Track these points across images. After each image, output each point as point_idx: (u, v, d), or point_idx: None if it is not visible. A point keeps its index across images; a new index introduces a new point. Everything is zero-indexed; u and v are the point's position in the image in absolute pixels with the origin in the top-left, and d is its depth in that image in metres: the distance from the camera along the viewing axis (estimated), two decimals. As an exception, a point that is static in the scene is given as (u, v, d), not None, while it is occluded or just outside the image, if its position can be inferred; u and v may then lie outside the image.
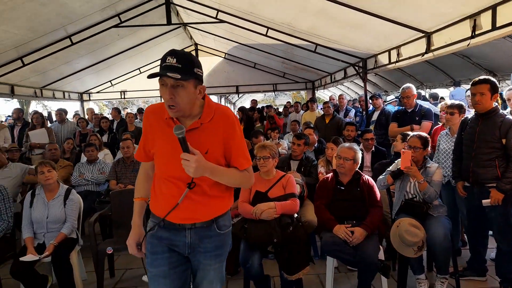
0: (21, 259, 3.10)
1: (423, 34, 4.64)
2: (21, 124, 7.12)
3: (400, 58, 5.45)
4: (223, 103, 19.17)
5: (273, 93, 13.04)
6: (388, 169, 3.61)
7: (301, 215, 3.49)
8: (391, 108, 6.40)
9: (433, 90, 9.65)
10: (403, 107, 4.95)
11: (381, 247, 3.11)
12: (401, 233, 3.00)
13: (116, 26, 6.96)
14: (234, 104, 21.81)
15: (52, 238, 3.31)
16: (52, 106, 16.20)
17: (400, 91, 4.98)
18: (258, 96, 16.40)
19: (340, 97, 8.04)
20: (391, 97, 8.94)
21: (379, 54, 6.23)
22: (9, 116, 10.09)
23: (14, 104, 10.93)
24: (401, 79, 9.28)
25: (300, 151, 4.30)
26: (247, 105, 11.24)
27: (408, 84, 4.89)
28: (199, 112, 1.74)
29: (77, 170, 4.99)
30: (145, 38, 8.92)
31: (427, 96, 9.65)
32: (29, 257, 3.14)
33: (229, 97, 20.87)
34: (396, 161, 3.62)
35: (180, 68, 1.60)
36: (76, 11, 5.89)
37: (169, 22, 6.94)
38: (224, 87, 12.17)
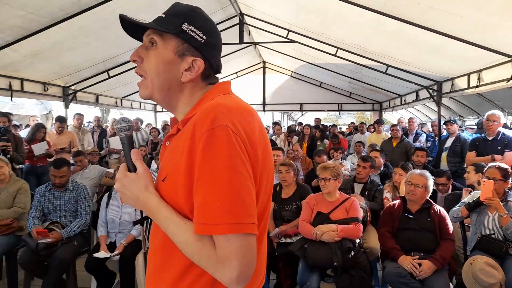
0: (95, 255, 3.37)
1: (509, 59, 4.31)
2: (99, 130, 7.81)
3: (481, 83, 5.10)
4: (285, 120, 19.27)
5: (337, 112, 12.84)
6: (463, 200, 3.37)
7: (363, 241, 3.38)
8: (467, 135, 5.98)
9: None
10: (483, 135, 4.61)
11: (450, 284, 2.89)
12: (475, 272, 2.77)
13: (192, 43, 7.40)
14: (296, 121, 21.82)
15: (122, 238, 3.55)
16: (127, 115, 17.51)
17: (486, 115, 4.63)
18: (321, 115, 16.25)
19: (410, 120, 7.69)
20: (468, 123, 8.35)
21: (457, 77, 5.89)
22: (90, 122, 11.12)
23: (95, 111, 12.00)
24: (479, 104, 8.65)
25: (365, 174, 4.18)
26: (309, 122, 11.19)
27: (496, 110, 4.55)
28: (191, 108, 1.04)
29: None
30: (216, 55, 9.35)
31: (508, 123, 8.87)
32: (102, 254, 3.40)
33: (291, 114, 20.95)
34: (472, 193, 3.38)
35: (159, 18, 1.06)
36: (158, 29, 6.39)
37: (241, 41, 7.22)
38: (288, 104, 12.27)
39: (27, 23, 4.55)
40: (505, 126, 7.86)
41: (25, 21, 4.47)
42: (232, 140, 0.87)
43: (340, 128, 11.80)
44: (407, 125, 7.89)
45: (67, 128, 6.59)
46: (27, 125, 8.00)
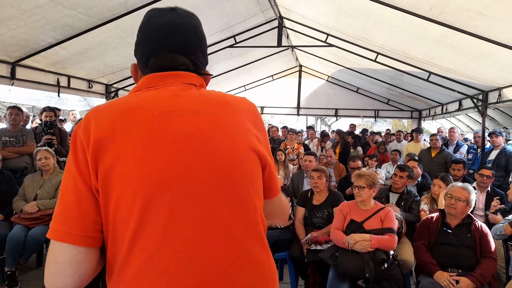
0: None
1: None
2: None
3: (531, 94, 4.82)
4: (318, 125, 19.06)
5: (373, 119, 12.53)
6: (507, 217, 3.18)
7: (397, 253, 3.28)
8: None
9: None
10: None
11: (490, 305, 2.74)
12: (518, 294, 2.62)
13: (231, 46, 7.50)
14: (329, 126, 21.51)
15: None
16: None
17: None
18: (356, 121, 15.93)
19: (451, 130, 7.37)
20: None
21: (505, 87, 5.59)
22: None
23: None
24: (528, 116, 8.18)
25: (402, 184, 4.05)
26: (343, 128, 10.98)
27: None
28: None
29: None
30: (254, 58, 9.42)
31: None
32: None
33: (325, 119, 20.68)
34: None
35: None
36: (199, 31, 6.52)
37: (279, 44, 7.23)
38: (323, 109, 12.12)
39: (77, 23, 4.78)
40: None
41: (75, 20, 4.70)
42: (72, 142, 0.91)
43: (380, 133, 11.36)
44: (447, 135, 7.57)
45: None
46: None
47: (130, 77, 7.35)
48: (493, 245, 2.90)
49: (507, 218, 3.15)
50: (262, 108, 12.41)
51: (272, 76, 11.98)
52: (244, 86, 12.06)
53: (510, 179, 4.54)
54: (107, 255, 0.90)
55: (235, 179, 0.92)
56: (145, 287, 0.85)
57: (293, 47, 9.11)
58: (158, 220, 0.86)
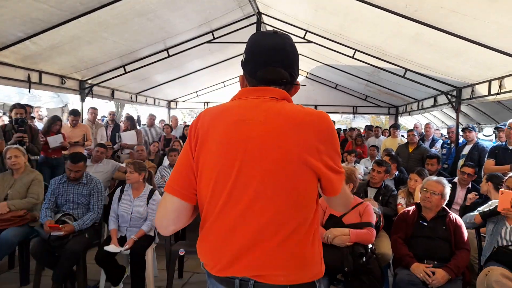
0: (105, 248, 3.39)
1: (534, 66, 4.19)
2: (113, 125, 7.89)
3: (502, 90, 4.96)
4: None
5: (352, 115, 12.70)
6: (479, 208, 3.28)
7: (375, 246, 3.32)
8: (486, 143, 5.83)
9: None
10: (503, 143, 4.48)
11: (464, 294, 2.81)
12: (490, 284, 2.69)
13: (209, 42, 7.42)
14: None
15: (133, 233, 3.56)
16: (141, 111, 17.68)
17: (507, 123, 4.50)
18: (335, 117, 16.09)
19: (427, 126, 7.55)
20: (489, 132, 8.16)
21: (477, 84, 5.75)
22: (104, 116, 11.23)
23: (110, 106, 12.11)
24: (498, 112, 8.44)
25: (379, 178, 4.10)
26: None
27: None
28: None
29: (160, 172, 5.34)
30: (233, 54, 9.35)
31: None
32: (112, 247, 3.41)
33: (305, 116, 20.83)
34: (490, 201, 3.28)
35: None
36: (176, 26, 6.41)
37: (258, 40, 7.19)
38: (303, 105, 12.13)
39: (48, 17, 4.61)
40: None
41: (46, 14, 4.53)
42: (189, 131, 1.30)
43: (359, 130, 11.56)
44: (423, 130, 7.75)
45: (81, 122, 6.65)
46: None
47: (105, 72, 7.20)
48: (466, 236, 2.98)
49: (479, 209, 3.25)
50: (241, 104, 12.35)
51: (251, 72, 11.93)
52: (223, 82, 11.98)
53: (482, 173, 4.68)
54: (200, 210, 1.28)
55: (279, 181, 1.17)
56: (211, 236, 1.24)
57: (272, 43, 9.08)
58: (221, 196, 1.20)
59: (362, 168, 6.27)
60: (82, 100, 7.32)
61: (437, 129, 10.97)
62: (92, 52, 6.17)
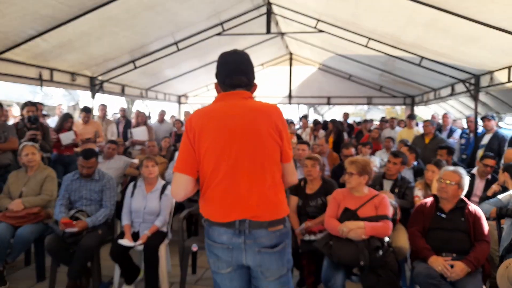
0: (119, 241, 3.39)
1: (556, 50, 4.00)
2: (125, 121, 7.92)
3: (523, 77, 4.78)
4: (311, 113, 19.01)
5: (366, 106, 12.49)
6: (499, 196, 3.15)
7: (392, 239, 3.23)
8: (506, 132, 5.64)
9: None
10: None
11: (484, 287, 2.71)
12: (510, 276, 2.59)
13: (218, 34, 7.35)
14: (322, 115, 21.48)
15: (146, 228, 3.55)
16: (152, 106, 17.78)
17: None
18: (349, 109, 15.88)
19: (445, 115, 7.35)
20: (511, 120, 7.92)
21: (496, 71, 5.55)
22: (115, 113, 11.32)
23: (121, 102, 12.20)
24: (519, 100, 8.17)
25: (395, 170, 3.99)
26: (336, 116, 10.96)
27: None
28: None
29: (171, 167, 5.33)
30: (243, 46, 9.25)
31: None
32: (126, 241, 3.41)
33: (317, 107, 20.64)
34: (510, 191, 3.15)
35: None
36: (185, 19, 6.36)
37: (268, 31, 7.10)
38: (315, 97, 12.03)
39: (57, 13, 4.61)
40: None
41: (55, 11, 4.53)
42: (186, 127, 1.85)
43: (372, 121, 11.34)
44: (440, 120, 7.55)
45: (92, 119, 6.69)
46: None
47: (115, 68, 7.22)
48: (486, 228, 2.87)
49: (498, 196, 3.15)
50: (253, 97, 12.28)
51: (262, 64, 11.84)
52: (234, 75, 11.91)
53: (501, 163, 4.52)
54: (200, 183, 1.84)
55: (260, 150, 1.78)
56: (215, 201, 1.80)
57: (282, 33, 8.96)
58: (222, 166, 1.76)
59: (378, 160, 6.11)
60: (93, 96, 7.36)
61: (456, 119, 10.70)
62: (102, 48, 6.18)
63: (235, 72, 1.85)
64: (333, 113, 20.17)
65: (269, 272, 1.83)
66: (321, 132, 8.32)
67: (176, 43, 7.31)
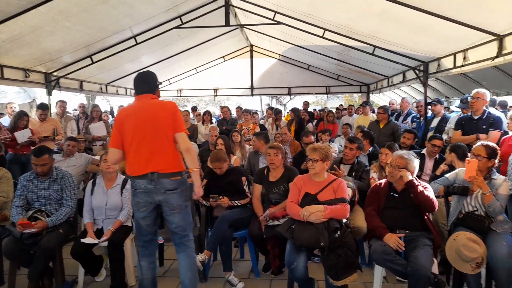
0: (82, 240, 3.35)
1: (495, 37, 4.32)
2: (84, 117, 7.69)
3: (466, 63, 5.12)
4: (274, 104, 19.23)
5: (326, 95, 12.83)
6: (447, 175, 3.40)
7: (350, 220, 3.41)
8: (453, 115, 6.03)
9: (501, 98, 8.93)
10: (469, 114, 4.64)
11: (435, 260, 2.94)
12: (458, 248, 2.83)
13: (177, 27, 7.26)
14: (284, 105, 21.76)
15: (109, 224, 3.53)
16: (114, 102, 17.25)
17: (471, 93, 4.64)
18: (310, 98, 16.19)
19: (403, 100, 7.72)
20: (457, 104, 8.41)
21: (443, 57, 5.91)
22: (75, 109, 10.92)
23: (81, 98, 11.74)
24: (465, 85, 8.70)
25: (352, 155, 4.19)
26: (298, 106, 11.18)
27: (481, 89, 4.56)
28: None
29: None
30: (203, 39, 9.21)
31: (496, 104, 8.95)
32: (89, 239, 3.37)
33: (279, 98, 20.88)
34: (456, 170, 3.41)
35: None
36: (142, 12, 6.23)
37: (227, 24, 7.10)
38: (276, 88, 12.21)
39: (5, 7, 4.40)
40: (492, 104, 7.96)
41: (2, 4, 4.32)
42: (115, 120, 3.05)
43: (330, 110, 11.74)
44: (398, 106, 7.89)
45: (50, 116, 6.44)
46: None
47: (70, 64, 6.97)
48: (436, 204, 3.06)
49: (446, 175, 3.38)
50: (215, 90, 12.25)
51: (223, 57, 11.82)
52: (195, 68, 11.82)
53: (446, 140, 4.83)
54: (125, 153, 2.87)
55: (159, 129, 2.80)
56: (134, 163, 2.83)
57: (241, 26, 8.99)
58: (134, 141, 2.80)
59: (336, 146, 6.38)
60: (49, 93, 7.07)
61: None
62: (56, 42, 5.94)
63: (142, 83, 2.94)
64: (295, 103, 20.49)
65: (172, 206, 2.82)
66: (283, 122, 8.49)
67: (134, 37, 7.16)
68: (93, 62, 7.25)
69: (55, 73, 7.09)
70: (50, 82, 7.00)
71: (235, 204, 3.79)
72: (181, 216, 2.87)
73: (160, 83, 3.14)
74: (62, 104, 6.94)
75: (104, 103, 18.75)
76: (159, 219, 3.00)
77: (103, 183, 3.69)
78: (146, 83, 2.93)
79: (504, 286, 2.85)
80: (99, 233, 3.52)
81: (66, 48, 6.30)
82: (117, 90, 10.25)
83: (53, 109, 7.09)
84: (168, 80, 12.01)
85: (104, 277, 3.70)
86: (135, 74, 3.01)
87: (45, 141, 5.60)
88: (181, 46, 9.03)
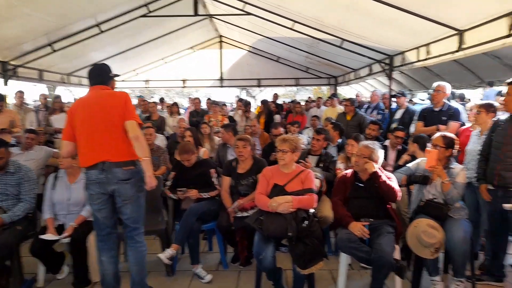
0: (41, 237, 3.22)
1: (456, 32, 4.49)
2: (45, 109, 7.35)
3: (429, 56, 5.30)
4: (244, 96, 19.18)
5: (295, 88, 12.94)
6: (409, 165, 3.52)
7: (317, 210, 3.47)
8: (416, 107, 6.24)
9: (460, 91, 9.35)
10: (431, 106, 4.81)
11: (397, 246, 3.05)
12: (418, 234, 2.95)
13: (144, 16, 7.06)
14: (254, 97, 21.77)
15: (72, 220, 3.41)
16: (78, 93, 16.60)
17: (433, 86, 4.81)
18: (280, 90, 16.28)
19: (373, 93, 7.90)
20: (423, 96, 8.71)
21: (407, 51, 6.08)
22: (35, 100, 10.42)
23: (42, 89, 11.22)
24: (428, 78, 9.02)
25: (319, 146, 4.25)
26: (268, 98, 11.23)
27: (442, 82, 4.73)
28: None
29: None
30: (171, 29, 9.00)
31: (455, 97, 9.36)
32: (49, 236, 3.25)
33: (249, 90, 20.86)
34: (418, 160, 3.54)
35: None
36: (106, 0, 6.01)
37: (196, 13, 6.98)
38: (246, 79, 12.16)
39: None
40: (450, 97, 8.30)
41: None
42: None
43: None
44: (364, 98, 8.03)
45: (7, 107, 6.10)
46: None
47: (30, 52, 6.64)
48: (399, 193, 3.17)
49: (408, 165, 3.51)
50: (184, 81, 12.05)
51: (192, 47, 11.62)
52: (163, 59, 11.56)
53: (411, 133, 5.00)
54: (77, 144, 2.85)
55: (109, 118, 2.76)
56: (85, 153, 2.81)
57: (210, 15, 8.85)
58: (84, 131, 2.80)
59: (305, 138, 6.44)
60: (6, 83, 6.69)
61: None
62: (14, 30, 5.61)
63: (95, 75, 2.94)
64: (265, 95, 20.56)
65: (124, 197, 2.78)
66: (252, 113, 8.49)
67: (98, 25, 6.89)
68: (54, 51, 6.93)
69: (12, 62, 6.72)
70: (7, 72, 6.62)
71: (204, 196, 3.75)
72: (133, 207, 2.83)
73: (117, 75, 3.11)
74: (20, 94, 6.61)
75: (67, 93, 18.01)
76: (116, 211, 2.92)
77: (66, 177, 3.55)
78: (98, 75, 2.92)
79: (459, 268, 3.02)
80: (60, 229, 3.39)
81: (24, 35, 5.97)
82: (80, 81, 9.86)
83: (11, 100, 6.72)
84: (135, 70, 11.67)
85: (66, 274, 3.57)
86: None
87: (1, 133, 5.31)
88: (148, 36, 8.79)
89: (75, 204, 3.48)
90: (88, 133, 2.75)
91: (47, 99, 7.74)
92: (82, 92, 12.06)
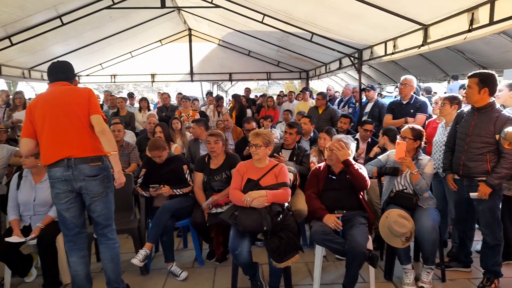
0: (6, 239, 3.06)
1: (420, 27, 4.62)
2: (5, 105, 6.96)
3: (396, 50, 5.43)
4: (215, 90, 19.01)
5: (267, 82, 12.95)
6: (379, 157, 3.60)
7: (292, 204, 3.49)
8: (385, 101, 6.40)
9: (426, 84, 9.69)
10: (399, 99, 4.94)
11: (369, 237, 3.12)
12: (390, 224, 3.03)
13: (108, 7, 6.81)
14: (226, 92, 21.62)
15: (38, 221, 3.27)
16: (40, 89, 15.89)
17: (400, 80, 4.93)
18: (251, 85, 16.26)
19: (346, 87, 8.03)
20: (391, 89, 8.95)
21: (375, 45, 6.21)
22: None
23: (1, 84, 10.63)
24: (396, 72, 9.29)
25: (292, 140, 4.27)
26: (240, 92, 11.19)
27: (409, 75, 4.86)
28: None
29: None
30: (137, 21, 8.75)
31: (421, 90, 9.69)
32: (15, 238, 3.10)
33: (221, 84, 20.69)
34: (388, 152, 3.62)
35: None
36: (68, -10, 5.74)
37: (163, 6, 6.80)
38: (217, 74, 12.05)
39: None
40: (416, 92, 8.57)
41: None
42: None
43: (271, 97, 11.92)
44: (333, 92, 8.15)
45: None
46: None
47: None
48: (368, 182, 3.24)
49: (378, 157, 3.60)
50: (153, 75, 11.78)
51: (160, 41, 11.36)
52: (130, 52, 11.23)
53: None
54: (38, 143, 2.74)
55: (72, 113, 2.70)
56: (47, 150, 2.69)
57: (178, 8, 8.66)
58: (45, 127, 2.68)
59: (278, 132, 6.47)
60: (-40, 78, 6.29)
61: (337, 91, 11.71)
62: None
63: (56, 72, 2.85)
64: (237, 89, 20.46)
65: (92, 194, 2.72)
66: (225, 108, 8.43)
67: (60, 17, 6.58)
68: (12, 44, 6.56)
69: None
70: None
71: (177, 193, 3.69)
72: (104, 204, 2.78)
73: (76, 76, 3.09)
74: (-22, 91, 6.22)
75: (28, 89, 17.19)
76: (85, 209, 2.85)
77: (31, 177, 3.39)
78: (61, 72, 2.84)
79: (429, 256, 3.13)
80: (26, 230, 3.24)
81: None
82: (42, 75, 9.42)
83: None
84: (100, 64, 11.27)
85: (35, 277, 3.43)
86: (62, 58, 2.79)
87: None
88: (113, 28, 8.50)
89: (41, 205, 3.33)
90: (51, 129, 2.64)
91: (9, 96, 7.32)
92: (44, 87, 11.52)
